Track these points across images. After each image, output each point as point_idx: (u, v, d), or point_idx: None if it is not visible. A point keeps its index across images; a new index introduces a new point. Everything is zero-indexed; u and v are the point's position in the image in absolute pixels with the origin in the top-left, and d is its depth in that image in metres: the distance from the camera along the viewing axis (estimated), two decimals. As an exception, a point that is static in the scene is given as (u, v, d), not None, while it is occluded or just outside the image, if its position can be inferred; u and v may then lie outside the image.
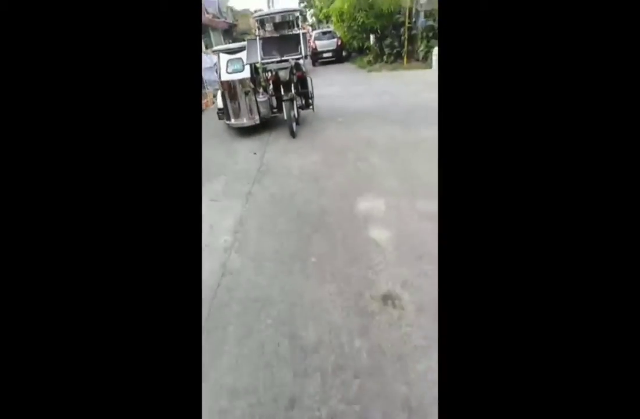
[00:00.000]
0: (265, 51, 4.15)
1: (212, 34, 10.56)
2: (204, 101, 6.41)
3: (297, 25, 4.46)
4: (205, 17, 9.11)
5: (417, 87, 5.94)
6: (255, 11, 10.16)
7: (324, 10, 11.99)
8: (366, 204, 2.30)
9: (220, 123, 4.79)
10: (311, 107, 4.55)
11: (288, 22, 4.44)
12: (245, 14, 15.30)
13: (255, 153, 3.74)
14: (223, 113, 4.51)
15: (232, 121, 4.44)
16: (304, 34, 4.39)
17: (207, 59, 6.88)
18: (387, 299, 1.50)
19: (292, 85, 4.08)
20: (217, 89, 4.71)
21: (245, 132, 4.50)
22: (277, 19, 4.35)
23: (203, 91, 6.70)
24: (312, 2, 16.04)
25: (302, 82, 4.38)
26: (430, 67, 7.75)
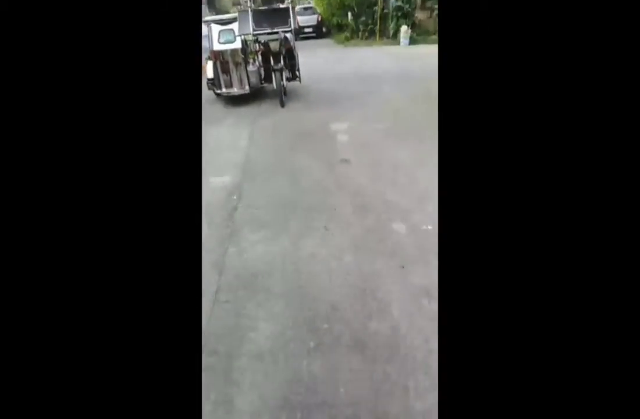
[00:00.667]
0: (257, 23, 4.34)
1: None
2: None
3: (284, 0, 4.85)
4: None
5: (385, 58, 7.32)
6: None
7: None
8: (336, 125, 3.55)
9: (209, 93, 4.87)
10: (298, 78, 4.90)
11: None
12: None
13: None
14: (213, 83, 4.64)
15: (223, 89, 4.68)
16: (293, 8, 4.63)
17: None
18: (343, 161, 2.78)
19: (281, 57, 4.43)
20: (207, 59, 4.71)
21: (236, 101, 4.80)
22: None
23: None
24: None
25: (290, 55, 4.68)
26: (398, 43, 9.08)
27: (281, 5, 4.54)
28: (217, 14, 8.33)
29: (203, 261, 1.65)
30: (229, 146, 3.33)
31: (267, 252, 1.83)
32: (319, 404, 1.11)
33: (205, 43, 4.77)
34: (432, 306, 1.40)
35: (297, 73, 4.85)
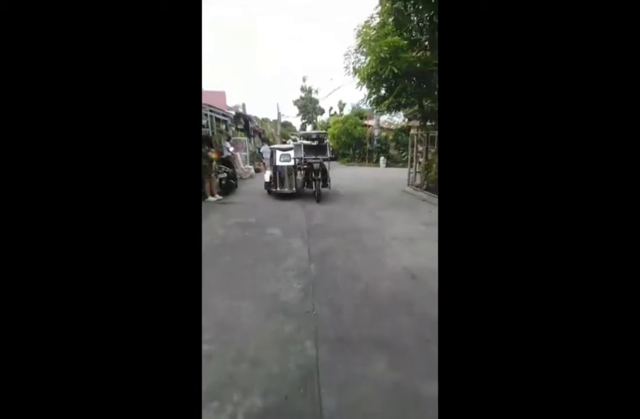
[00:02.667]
0: (306, 152, 6.70)
1: (254, 137, 15.77)
2: (258, 166, 11.02)
3: (324, 140, 7.30)
4: (253, 125, 14.52)
5: (370, 172, 12.06)
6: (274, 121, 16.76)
7: (323, 128, 19.27)
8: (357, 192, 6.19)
9: (264, 191, 7.02)
10: (328, 186, 6.97)
11: (318, 137, 7.37)
12: (264, 122, 22.01)
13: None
14: (269, 184, 6.83)
15: (278, 189, 6.78)
16: (328, 144, 7.24)
17: (267, 150, 10.96)
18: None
19: (319, 172, 6.55)
20: (265, 165, 7.85)
21: (284, 197, 6.73)
22: (313, 135, 7.54)
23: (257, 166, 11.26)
24: (314, 122, 24.04)
25: (324, 171, 6.82)
26: (378, 166, 14.85)
27: (322, 143, 7.14)
28: (263, 142, 12.85)
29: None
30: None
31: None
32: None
33: (269, 158, 7.63)
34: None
35: (328, 183, 7.03)
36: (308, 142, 7.27)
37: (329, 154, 7.00)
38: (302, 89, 33.89)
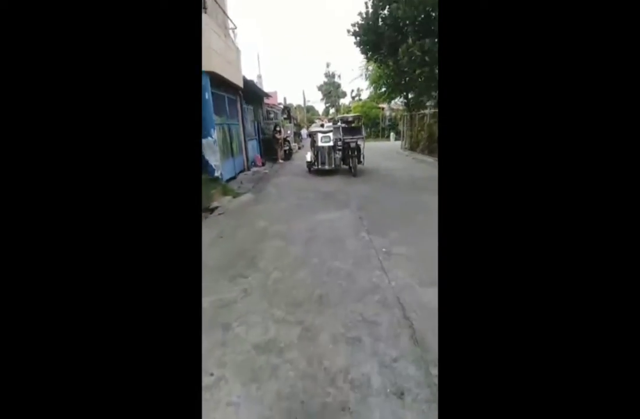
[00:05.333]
0: (344, 133, 7.72)
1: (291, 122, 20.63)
2: (297, 145, 15.58)
3: (359, 121, 8.53)
4: (292, 114, 19.25)
5: (381, 143, 16.57)
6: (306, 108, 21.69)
7: (343, 113, 23.69)
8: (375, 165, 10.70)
9: (305, 169, 8.32)
10: (362, 162, 7.81)
11: (353, 120, 8.47)
12: (297, 108, 26.75)
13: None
14: (311, 163, 7.87)
15: (319, 166, 7.75)
16: (362, 125, 8.39)
17: (305, 132, 15.78)
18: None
19: (355, 150, 7.49)
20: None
21: (323, 173, 7.77)
22: (350, 118, 8.56)
23: (299, 144, 15.93)
24: (336, 106, 28.34)
25: (359, 149, 7.64)
26: (389, 140, 18.96)
27: (358, 125, 8.38)
28: (295, 126, 17.60)
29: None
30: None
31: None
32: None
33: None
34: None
35: (362, 160, 7.86)
36: (344, 125, 8.27)
37: (363, 134, 7.98)
38: (326, 75, 37.44)
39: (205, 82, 5.57)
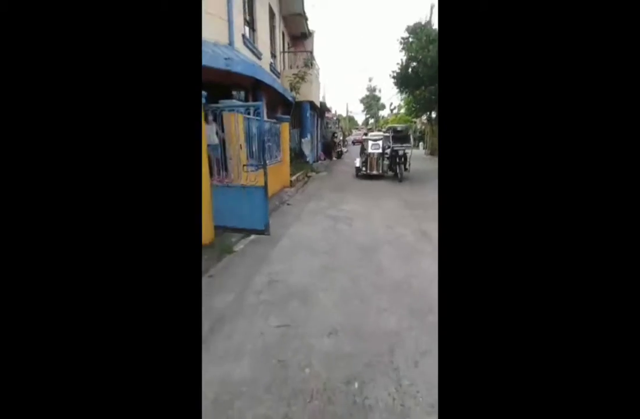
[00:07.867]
0: (393, 141, 8.34)
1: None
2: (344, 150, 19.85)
3: (408, 130, 9.11)
4: (340, 124, 23.85)
5: (412, 151, 18.81)
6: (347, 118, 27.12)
7: (383, 123, 27.92)
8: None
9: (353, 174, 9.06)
10: (408, 169, 8.34)
11: (402, 129, 9.20)
12: (341, 118, 31.35)
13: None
14: (359, 169, 8.44)
15: (367, 171, 8.34)
16: (411, 134, 9.07)
17: (350, 139, 20.22)
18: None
19: (402, 158, 8.01)
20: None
21: (371, 178, 8.32)
22: (399, 128, 9.39)
23: (344, 149, 20.22)
24: (376, 117, 32.97)
25: (406, 157, 8.23)
26: (418, 148, 22.15)
27: (406, 134, 9.08)
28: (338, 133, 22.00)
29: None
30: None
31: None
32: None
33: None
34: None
35: (407, 167, 8.34)
36: (393, 134, 8.89)
37: (412, 143, 8.47)
38: (368, 89, 41.77)
39: (307, 106, 9.98)
